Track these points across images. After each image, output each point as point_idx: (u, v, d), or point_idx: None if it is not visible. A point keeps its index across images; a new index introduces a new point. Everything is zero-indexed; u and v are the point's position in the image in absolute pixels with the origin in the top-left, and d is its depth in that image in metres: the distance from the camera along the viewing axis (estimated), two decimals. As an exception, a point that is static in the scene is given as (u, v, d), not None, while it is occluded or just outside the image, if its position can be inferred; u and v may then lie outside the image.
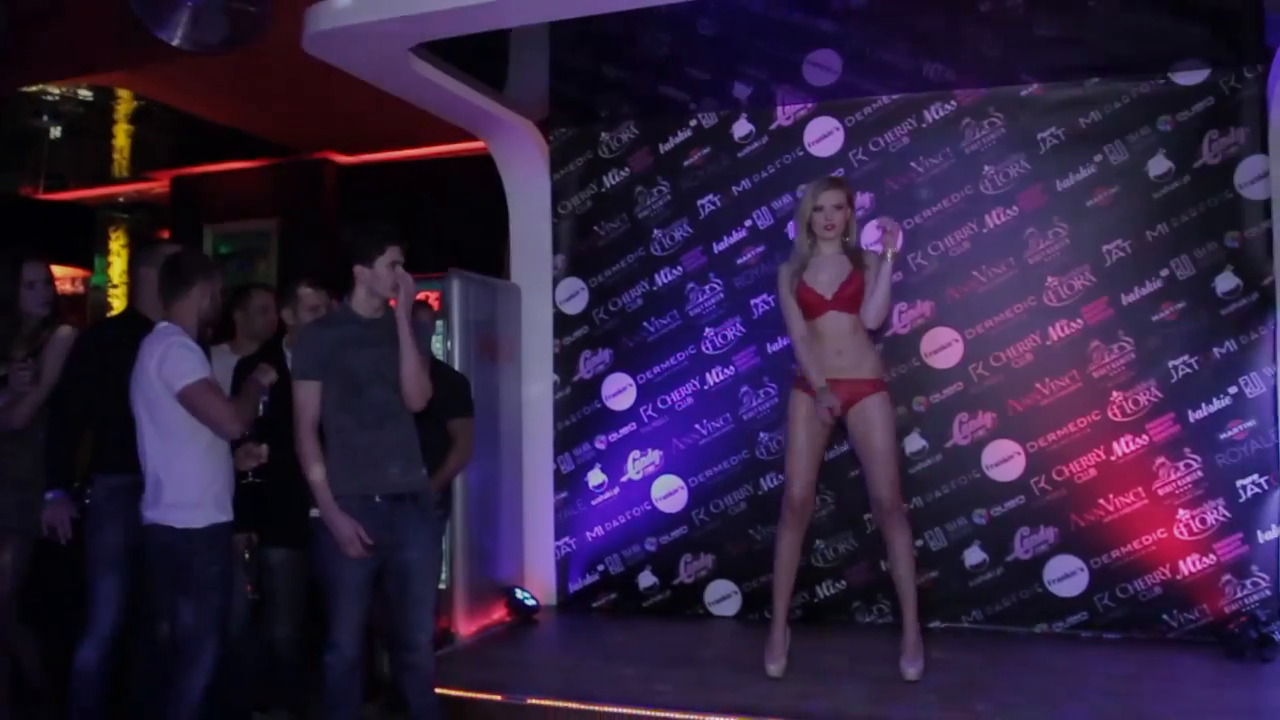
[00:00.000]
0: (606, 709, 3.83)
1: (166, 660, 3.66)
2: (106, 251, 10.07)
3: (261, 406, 3.89)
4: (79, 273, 9.19)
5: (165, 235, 9.24)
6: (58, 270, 4.45)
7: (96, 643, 3.73)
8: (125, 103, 7.58)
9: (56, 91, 7.28)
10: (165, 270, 3.60)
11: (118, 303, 9.95)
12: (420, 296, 4.57)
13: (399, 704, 4.02)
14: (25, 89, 7.07)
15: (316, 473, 3.39)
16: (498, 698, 4.01)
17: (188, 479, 3.47)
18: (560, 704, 3.92)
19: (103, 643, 3.75)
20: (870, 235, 4.96)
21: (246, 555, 4.19)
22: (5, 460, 4.03)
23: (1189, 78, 4.86)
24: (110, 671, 3.78)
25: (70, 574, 3.98)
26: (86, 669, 3.71)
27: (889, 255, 3.93)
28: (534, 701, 3.96)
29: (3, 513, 4.01)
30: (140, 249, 4.28)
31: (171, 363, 3.41)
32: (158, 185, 9.28)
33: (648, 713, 3.77)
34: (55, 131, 8.17)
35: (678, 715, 3.74)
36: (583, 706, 3.87)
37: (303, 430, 3.41)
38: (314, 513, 3.58)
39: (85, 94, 7.40)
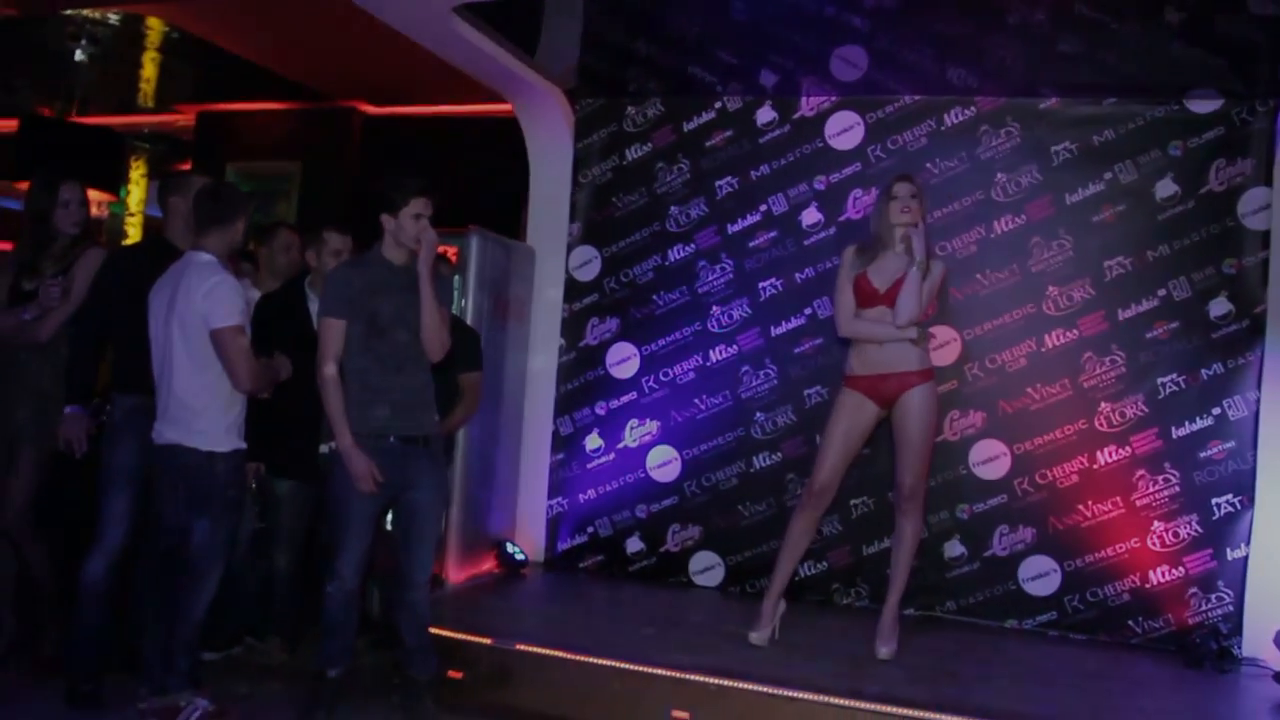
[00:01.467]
0: (593, 660, 3.94)
1: (170, 577, 3.75)
2: (126, 180, 10.06)
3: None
4: (106, 197, 9.22)
5: (187, 168, 9.29)
6: (85, 193, 4.53)
7: (104, 557, 3.81)
8: (155, 32, 7.60)
9: (90, 15, 7.29)
10: (205, 199, 3.67)
11: (134, 231, 9.98)
12: (440, 250, 4.68)
13: (386, 641, 4.15)
14: (64, 12, 7.10)
15: (336, 409, 3.50)
16: (487, 641, 4.10)
17: (218, 405, 3.57)
18: (548, 652, 4.03)
19: (110, 557, 3.82)
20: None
21: (253, 485, 4.33)
22: (26, 372, 4.13)
23: (1202, 106, 4.95)
24: (116, 586, 3.86)
25: (83, 488, 4.09)
26: (93, 582, 3.79)
27: (912, 264, 4.10)
28: (522, 647, 4.07)
29: (21, 423, 4.10)
30: (169, 178, 4.34)
31: (217, 299, 3.49)
32: (182, 118, 9.29)
33: (633, 667, 3.87)
34: (80, 55, 8.16)
35: (662, 672, 3.84)
36: (570, 656, 3.98)
37: (326, 367, 3.51)
38: (324, 448, 3.70)
39: (114, 19, 7.40)
